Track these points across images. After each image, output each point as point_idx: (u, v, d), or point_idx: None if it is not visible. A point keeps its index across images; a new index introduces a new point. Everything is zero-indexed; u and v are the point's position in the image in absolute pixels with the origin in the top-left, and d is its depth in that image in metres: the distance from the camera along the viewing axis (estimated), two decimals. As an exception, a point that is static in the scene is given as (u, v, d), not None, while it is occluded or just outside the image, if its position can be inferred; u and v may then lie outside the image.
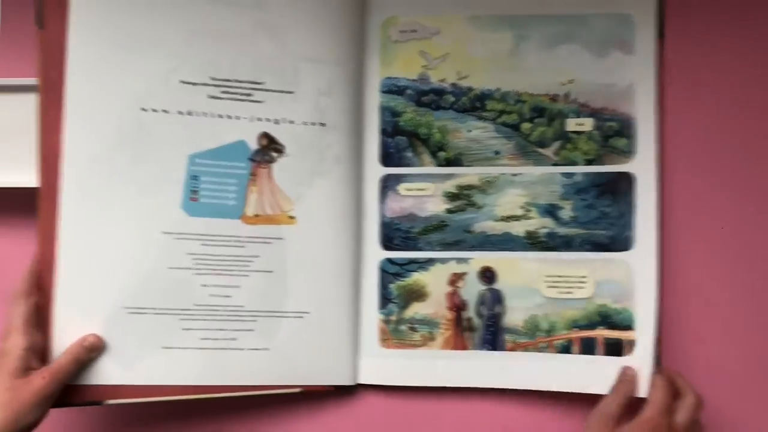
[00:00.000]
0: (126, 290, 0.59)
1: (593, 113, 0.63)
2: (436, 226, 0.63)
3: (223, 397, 0.61)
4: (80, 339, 0.57)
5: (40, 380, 0.53)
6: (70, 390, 0.57)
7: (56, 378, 0.54)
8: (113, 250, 0.58)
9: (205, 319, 0.60)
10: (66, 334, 0.58)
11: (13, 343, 0.53)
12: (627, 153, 0.62)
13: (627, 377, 0.60)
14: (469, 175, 0.63)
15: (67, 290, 0.58)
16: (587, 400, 0.61)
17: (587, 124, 0.63)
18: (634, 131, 0.62)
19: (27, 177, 0.61)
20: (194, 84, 0.60)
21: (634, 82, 0.62)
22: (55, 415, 0.57)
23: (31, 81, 0.59)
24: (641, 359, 0.61)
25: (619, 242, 0.62)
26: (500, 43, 0.63)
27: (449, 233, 0.63)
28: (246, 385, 0.61)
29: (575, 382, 0.62)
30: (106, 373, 0.58)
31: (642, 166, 0.62)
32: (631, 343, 0.62)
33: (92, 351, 0.57)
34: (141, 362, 0.59)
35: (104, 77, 0.58)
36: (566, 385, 0.62)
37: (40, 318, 0.57)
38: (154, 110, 0.59)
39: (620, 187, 0.62)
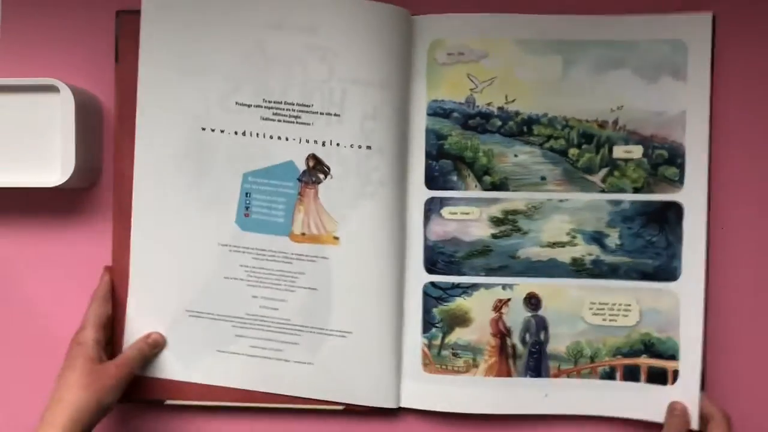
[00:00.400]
0: (188, 295, 0.63)
1: (642, 141, 0.62)
2: (481, 251, 0.63)
3: (271, 407, 0.63)
4: (144, 335, 0.63)
5: (114, 367, 0.59)
6: (135, 387, 0.62)
7: (126, 367, 0.60)
8: (177, 258, 0.63)
9: (255, 329, 0.63)
10: (136, 331, 0.63)
11: (86, 335, 0.59)
12: (676, 182, 0.62)
13: (677, 411, 0.60)
14: (514, 200, 0.63)
15: (137, 293, 0.63)
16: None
17: (636, 151, 0.62)
18: (684, 160, 0.61)
19: (27, 177, 0.62)
20: (248, 106, 0.62)
21: (686, 110, 0.61)
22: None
23: (31, 81, 0.61)
24: (686, 389, 0.61)
25: (666, 272, 0.62)
26: (549, 67, 0.62)
27: (494, 258, 0.63)
28: (290, 395, 0.63)
29: (619, 408, 0.62)
30: (168, 368, 0.63)
31: (691, 197, 0.61)
32: (675, 373, 0.61)
33: (154, 347, 0.63)
34: (198, 362, 0.63)
35: (170, 101, 0.62)
36: (610, 410, 0.62)
37: (110, 319, 0.62)
38: (213, 130, 0.62)
39: (668, 217, 0.62)
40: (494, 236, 0.63)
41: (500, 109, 0.63)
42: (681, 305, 0.61)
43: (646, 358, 0.62)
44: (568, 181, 0.63)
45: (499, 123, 0.63)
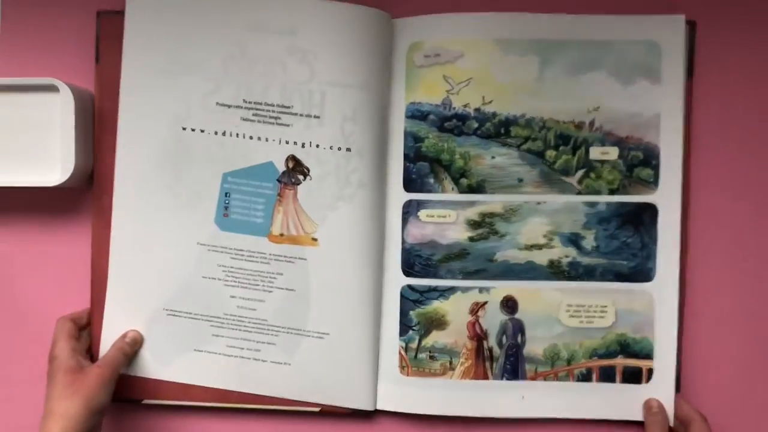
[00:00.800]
0: (166, 294, 0.63)
1: (618, 142, 0.62)
2: (458, 254, 0.63)
3: (248, 408, 0.63)
4: (122, 335, 0.63)
5: (96, 368, 0.59)
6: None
7: (109, 367, 0.59)
8: (156, 257, 0.63)
9: (232, 328, 0.63)
10: (114, 329, 0.63)
11: (59, 348, 0.59)
12: (651, 184, 0.62)
13: (655, 409, 0.61)
14: (491, 202, 0.63)
15: (116, 291, 0.63)
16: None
17: (612, 153, 0.62)
18: (659, 162, 0.62)
19: (27, 177, 0.61)
20: (229, 106, 0.62)
21: (660, 112, 0.62)
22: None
23: (31, 81, 0.61)
24: (660, 387, 0.62)
25: (641, 273, 0.62)
26: (526, 67, 0.62)
27: (471, 262, 0.63)
28: (267, 396, 0.63)
29: (595, 409, 0.63)
30: (145, 366, 0.63)
31: (666, 198, 0.62)
32: (650, 371, 0.62)
33: (134, 345, 0.63)
34: (175, 361, 0.63)
35: (151, 100, 0.62)
36: (587, 412, 0.63)
37: (78, 330, 0.62)
38: (193, 129, 0.62)
39: (643, 218, 0.62)
40: (471, 239, 0.63)
41: (477, 110, 0.63)
42: (656, 305, 0.62)
43: (622, 359, 0.62)
44: (545, 183, 0.62)
45: (476, 125, 0.63)
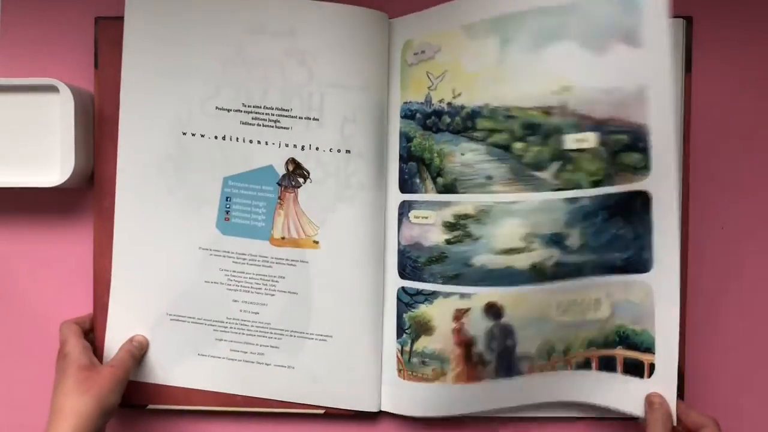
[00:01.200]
0: (168, 299, 0.64)
1: (597, 126, 0.53)
2: (437, 257, 0.61)
3: (252, 411, 0.65)
4: (128, 339, 0.63)
5: (109, 368, 0.59)
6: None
7: (120, 368, 0.60)
8: (158, 262, 0.64)
9: (235, 332, 0.64)
10: (117, 335, 0.64)
11: (71, 345, 0.59)
12: (641, 169, 0.52)
13: (657, 405, 0.55)
14: (463, 203, 0.59)
15: (119, 296, 0.64)
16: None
17: (590, 139, 0.53)
18: (648, 144, 0.51)
19: (27, 177, 0.62)
20: (228, 110, 0.63)
21: (645, 83, 0.50)
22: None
23: (31, 81, 0.61)
24: (662, 383, 0.56)
25: (637, 264, 0.55)
26: (486, 51, 0.56)
27: (450, 266, 0.60)
28: (271, 399, 0.64)
29: (596, 395, 0.59)
30: (149, 371, 0.64)
31: (660, 183, 0.53)
32: (651, 366, 0.56)
33: (141, 348, 0.63)
34: (179, 365, 0.64)
35: (152, 105, 0.63)
36: (587, 396, 0.59)
37: (85, 330, 0.63)
38: (193, 134, 0.63)
39: (634, 208, 0.54)
40: (448, 242, 0.60)
41: (449, 104, 0.59)
42: (655, 297, 0.55)
43: (622, 350, 0.57)
44: (517, 180, 0.56)
45: (448, 120, 0.59)
